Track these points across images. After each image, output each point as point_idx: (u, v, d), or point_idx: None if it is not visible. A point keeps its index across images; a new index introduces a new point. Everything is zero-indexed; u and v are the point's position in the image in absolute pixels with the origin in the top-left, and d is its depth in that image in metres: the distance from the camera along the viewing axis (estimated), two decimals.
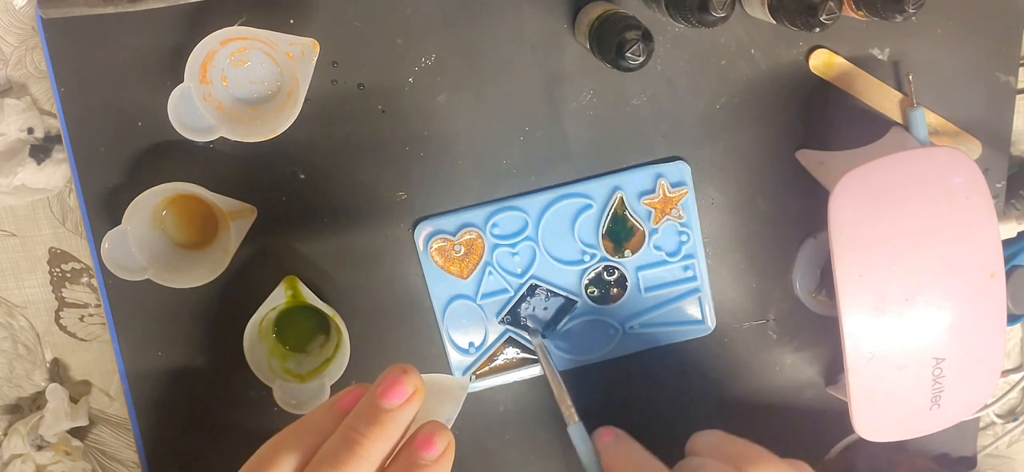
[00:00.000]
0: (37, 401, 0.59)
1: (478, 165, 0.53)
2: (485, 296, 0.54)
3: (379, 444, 0.32)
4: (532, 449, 0.58)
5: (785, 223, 0.55)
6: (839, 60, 0.52)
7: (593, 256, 0.54)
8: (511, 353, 0.56)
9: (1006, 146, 0.55)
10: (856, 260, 0.47)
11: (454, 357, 0.56)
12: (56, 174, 0.53)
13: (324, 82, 0.51)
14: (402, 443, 0.33)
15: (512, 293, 0.54)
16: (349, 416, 0.33)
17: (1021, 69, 0.54)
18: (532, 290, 0.54)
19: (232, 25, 0.49)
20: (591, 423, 0.50)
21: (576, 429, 0.50)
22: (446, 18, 0.50)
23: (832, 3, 0.40)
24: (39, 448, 0.57)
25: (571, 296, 0.55)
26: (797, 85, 0.53)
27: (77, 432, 0.59)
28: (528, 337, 0.55)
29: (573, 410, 0.51)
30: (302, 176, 0.52)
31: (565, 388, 0.52)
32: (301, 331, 0.55)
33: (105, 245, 0.49)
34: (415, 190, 0.53)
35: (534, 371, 0.56)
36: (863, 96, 0.53)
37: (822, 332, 0.57)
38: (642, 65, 0.43)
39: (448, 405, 0.35)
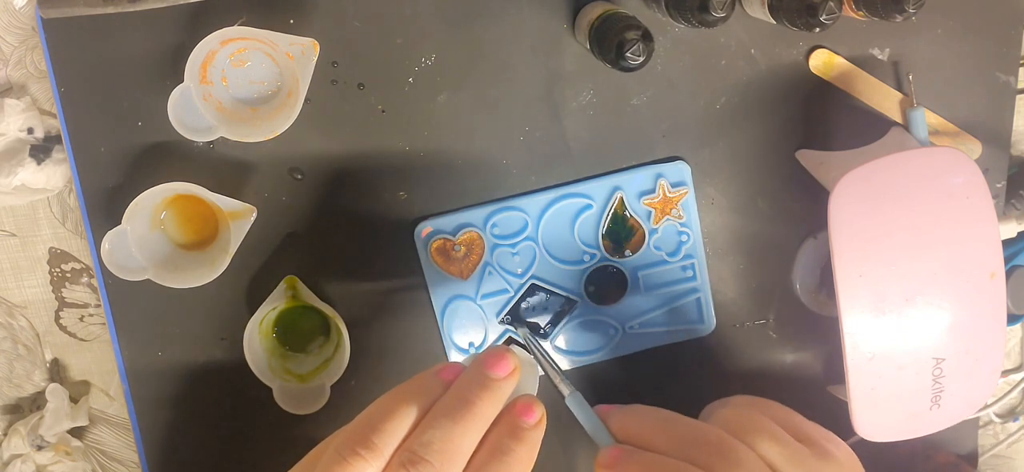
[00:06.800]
0: (37, 401, 0.59)
1: (478, 165, 0.53)
2: (485, 296, 0.54)
3: (490, 407, 0.36)
4: None
5: (785, 223, 0.55)
6: (839, 60, 0.52)
7: (593, 256, 0.54)
8: None
9: (1006, 146, 0.55)
10: (856, 260, 0.47)
11: (454, 357, 0.56)
12: (56, 174, 0.53)
13: (324, 82, 0.51)
14: (502, 411, 0.37)
15: (512, 293, 0.54)
16: (459, 382, 0.36)
17: (1021, 69, 0.54)
18: (532, 290, 0.54)
19: (232, 25, 0.49)
20: None
21: (573, 398, 0.44)
22: (446, 18, 0.50)
23: (832, 3, 0.40)
24: (39, 448, 0.57)
25: (571, 296, 0.55)
26: (797, 85, 0.53)
27: (77, 432, 0.59)
28: (514, 330, 0.54)
29: (565, 383, 0.44)
30: (302, 176, 0.52)
31: (555, 364, 0.46)
32: (301, 331, 0.55)
33: (105, 245, 0.49)
34: (415, 190, 0.53)
35: None
36: (863, 96, 0.53)
37: (822, 332, 0.57)
38: (642, 65, 0.43)
39: (531, 382, 0.39)
